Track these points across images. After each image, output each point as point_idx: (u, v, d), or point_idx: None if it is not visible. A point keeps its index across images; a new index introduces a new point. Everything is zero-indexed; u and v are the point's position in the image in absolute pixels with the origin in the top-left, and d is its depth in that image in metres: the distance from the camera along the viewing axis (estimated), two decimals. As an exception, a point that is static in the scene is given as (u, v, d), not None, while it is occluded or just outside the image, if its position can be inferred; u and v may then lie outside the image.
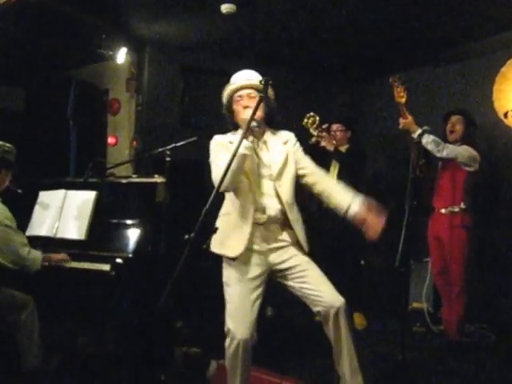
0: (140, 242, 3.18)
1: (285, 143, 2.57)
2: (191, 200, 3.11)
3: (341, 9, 4.01)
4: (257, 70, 2.59)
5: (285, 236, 2.51)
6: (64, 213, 3.40)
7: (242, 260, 2.43)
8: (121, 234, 3.26)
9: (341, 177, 4.26)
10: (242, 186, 2.45)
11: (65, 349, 3.33)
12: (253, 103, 2.41)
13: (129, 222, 3.30)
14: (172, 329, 3.40)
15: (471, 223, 3.71)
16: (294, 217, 2.51)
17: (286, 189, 2.50)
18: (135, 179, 3.78)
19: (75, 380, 3.09)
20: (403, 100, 3.34)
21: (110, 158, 5.22)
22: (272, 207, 2.46)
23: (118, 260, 3.07)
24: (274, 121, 2.61)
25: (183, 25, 4.57)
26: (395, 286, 3.97)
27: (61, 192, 3.49)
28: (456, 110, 3.87)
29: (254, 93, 2.48)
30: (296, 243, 2.53)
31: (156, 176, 3.40)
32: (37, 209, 3.52)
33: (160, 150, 3.34)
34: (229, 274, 2.46)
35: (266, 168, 2.49)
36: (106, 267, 3.06)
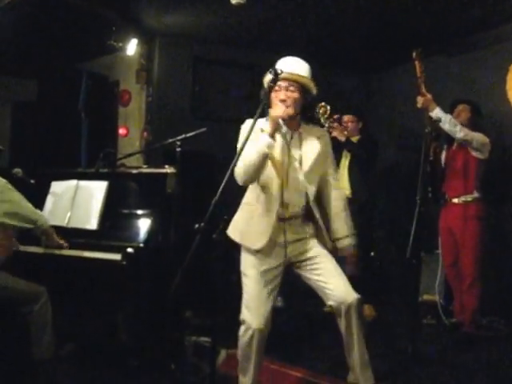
0: (151, 232, 3.19)
1: (318, 138, 2.51)
2: (201, 190, 3.12)
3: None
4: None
5: (306, 229, 2.52)
6: (76, 203, 3.42)
7: (262, 251, 2.43)
8: (132, 224, 3.28)
9: (352, 167, 4.25)
10: (269, 179, 2.41)
11: (76, 338, 3.36)
12: (289, 97, 2.36)
13: (140, 212, 3.32)
14: (182, 318, 3.42)
15: (485, 213, 3.68)
16: (318, 213, 2.50)
17: (313, 185, 2.48)
18: (146, 170, 3.80)
19: (86, 368, 3.11)
20: (423, 76, 3.29)
21: (120, 149, 5.24)
22: (298, 203, 2.46)
23: (129, 250, 3.08)
24: (310, 113, 2.57)
25: (193, 16, 4.54)
26: (406, 277, 3.94)
27: (72, 182, 3.51)
28: (462, 99, 3.84)
29: (293, 86, 2.38)
30: (316, 235, 2.53)
31: (166, 167, 3.40)
32: (49, 199, 3.54)
33: (170, 140, 3.35)
34: (247, 264, 2.47)
35: (296, 162, 2.44)
36: (117, 257, 3.08)
